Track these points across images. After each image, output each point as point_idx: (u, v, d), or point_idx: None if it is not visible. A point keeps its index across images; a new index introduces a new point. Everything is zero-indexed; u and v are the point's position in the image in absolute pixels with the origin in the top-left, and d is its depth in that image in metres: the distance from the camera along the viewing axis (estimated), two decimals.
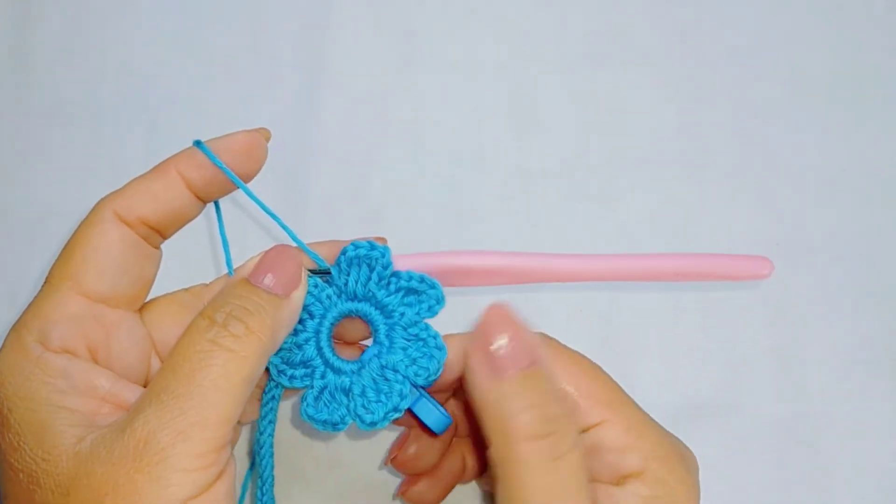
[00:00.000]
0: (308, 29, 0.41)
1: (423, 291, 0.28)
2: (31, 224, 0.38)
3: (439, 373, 0.27)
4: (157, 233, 0.28)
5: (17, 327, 0.26)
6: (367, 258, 0.28)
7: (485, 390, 0.24)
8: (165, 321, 0.28)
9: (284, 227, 0.29)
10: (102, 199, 0.27)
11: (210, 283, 0.31)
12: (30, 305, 0.27)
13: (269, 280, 0.25)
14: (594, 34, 0.40)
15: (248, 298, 0.25)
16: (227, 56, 0.40)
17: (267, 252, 0.26)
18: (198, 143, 0.28)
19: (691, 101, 0.39)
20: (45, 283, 0.27)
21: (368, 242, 0.28)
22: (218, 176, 0.27)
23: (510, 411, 0.23)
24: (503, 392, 0.24)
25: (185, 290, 0.30)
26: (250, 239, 0.37)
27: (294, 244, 0.29)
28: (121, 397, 0.25)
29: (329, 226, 0.38)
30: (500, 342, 0.25)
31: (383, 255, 0.28)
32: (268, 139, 0.29)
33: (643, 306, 0.36)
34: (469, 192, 0.38)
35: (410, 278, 0.28)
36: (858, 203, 0.37)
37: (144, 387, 0.26)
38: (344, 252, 0.28)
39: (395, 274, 0.28)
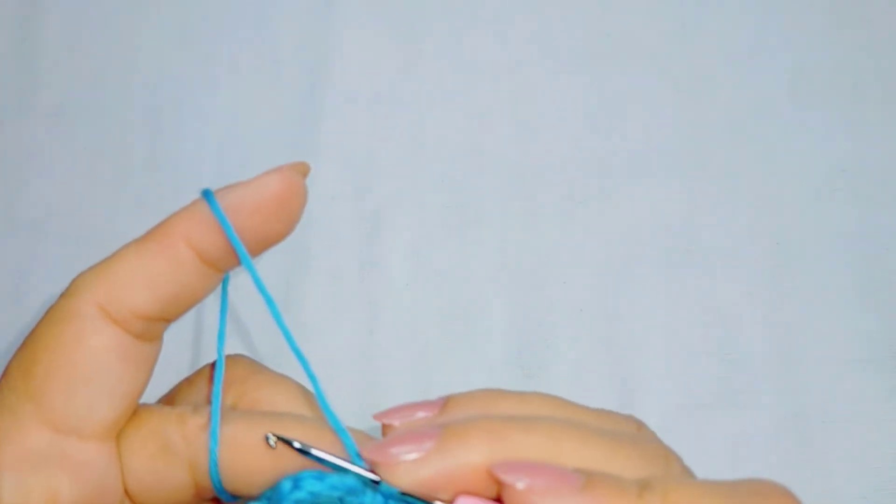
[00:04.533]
0: (310, 30, 0.41)
1: None
2: (34, 224, 0.38)
3: None
4: (161, 320, 0.21)
5: None
6: None
7: None
8: (136, 460, 0.21)
9: (314, 383, 0.22)
10: (81, 279, 0.21)
11: (191, 378, 0.25)
12: None
13: None
14: (594, 34, 0.40)
15: None
16: (230, 57, 0.41)
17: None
18: (207, 195, 0.21)
19: (691, 101, 0.39)
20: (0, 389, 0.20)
21: None
22: (246, 234, 0.20)
23: None
24: None
25: (164, 415, 0.22)
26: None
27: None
28: None
29: (329, 226, 0.38)
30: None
31: None
32: (306, 174, 0.22)
33: (644, 306, 0.36)
34: (469, 193, 0.38)
35: None
36: (858, 203, 0.37)
37: None
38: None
39: None
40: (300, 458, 0.20)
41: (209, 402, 0.23)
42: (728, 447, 0.34)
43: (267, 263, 0.37)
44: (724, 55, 0.39)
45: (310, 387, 0.22)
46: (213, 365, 0.24)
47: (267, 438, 0.20)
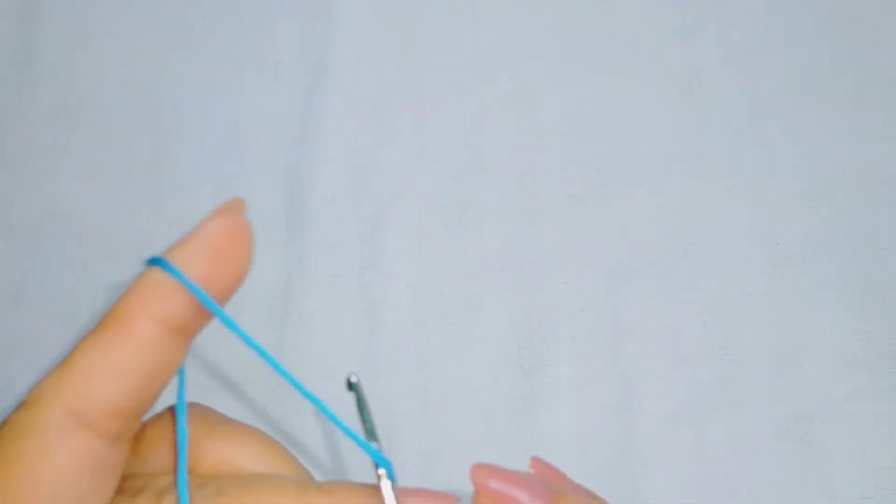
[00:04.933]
0: (310, 30, 0.41)
1: None
2: (35, 224, 0.38)
3: None
4: (136, 414, 0.19)
5: None
6: None
7: None
8: None
9: (318, 403, 0.21)
10: (42, 386, 0.18)
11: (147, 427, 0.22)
12: None
13: None
14: (594, 34, 0.40)
15: None
16: (230, 57, 0.41)
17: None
18: (158, 262, 0.19)
19: (691, 100, 0.39)
20: None
21: None
22: (209, 283, 0.19)
23: None
24: None
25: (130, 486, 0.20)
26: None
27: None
28: None
29: (329, 226, 0.38)
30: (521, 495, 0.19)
31: None
32: (243, 210, 0.21)
33: (644, 306, 0.36)
34: (469, 193, 0.38)
35: None
36: (858, 203, 0.37)
37: None
38: None
39: None
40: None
41: (171, 472, 0.21)
42: (728, 447, 0.34)
43: (267, 263, 0.37)
44: (724, 55, 0.39)
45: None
46: (169, 420, 0.23)
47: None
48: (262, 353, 0.20)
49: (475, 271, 0.37)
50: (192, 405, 0.23)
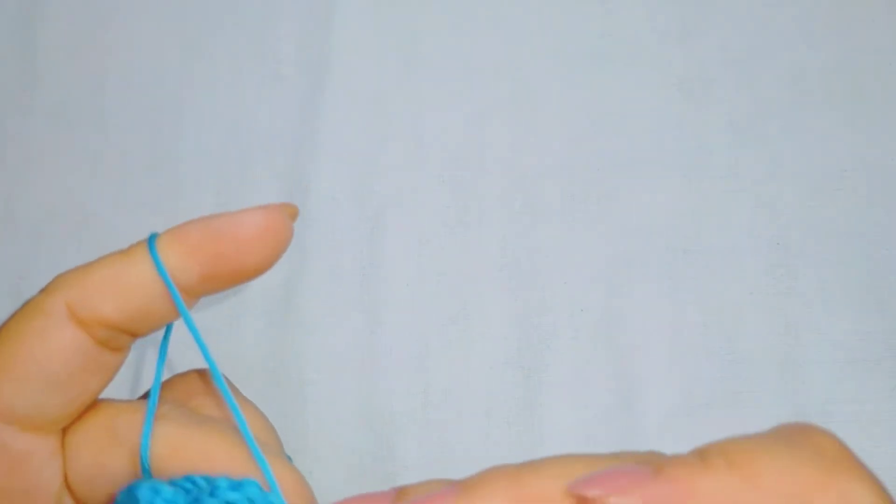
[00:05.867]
0: (310, 30, 0.41)
1: None
2: (35, 225, 0.38)
3: None
4: (126, 333, 0.21)
5: None
6: None
7: None
8: (83, 452, 0.21)
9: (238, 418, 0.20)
10: (60, 278, 0.21)
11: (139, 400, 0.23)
12: None
13: None
14: (594, 34, 0.40)
15: None
16: (231, 57, 0.41)
17: None
18: (150, 240, 0.20)
19: (691, 100, 0.39)
20: None
21: None
22: (219, 273, 0.20)
23: None
24: None
25: (120, 407, 0.22)
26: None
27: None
28: None
29: (330, 226, 0.38)
30: None
31: None
32: (295, 216, 0.21)
33: (645, 306, 0.36)
34: (469, 193, 0.38)
35: None
36: (858, 203, 0.37)
37: None
38: None
39: None
40: (225, 459, 0.20)
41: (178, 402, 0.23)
42: None
43: None
44: (724, 55, 0.39)
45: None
46: (201, 372, 0.25)
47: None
48: (207, 357, 0.21)
49: (475, 271, 0.37)
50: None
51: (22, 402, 0.20)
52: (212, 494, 0.19)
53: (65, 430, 0.21)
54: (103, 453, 0.21)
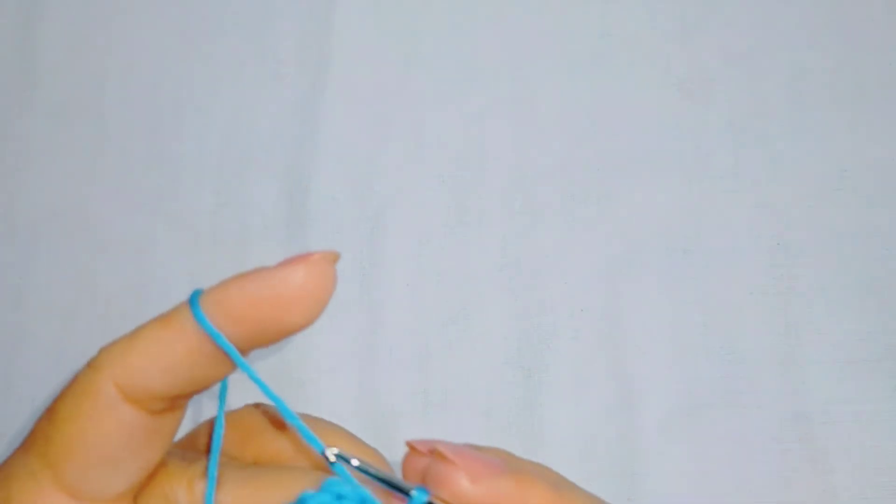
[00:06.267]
0: (310, 30, 0.41)
1: None
2: (35, 225, 0.38)
3: None
4: (180, 398, 0.21)
5: None
6: None
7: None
8: None
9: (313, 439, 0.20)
10: (105, 353, 0.20)
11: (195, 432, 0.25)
12: (3, 488, 0.20)
13: None
14: (594, 34, 0.40)
15: None
16: (230, 57, 0.41)
17: None
18: (193, 300, 0.19)
19: (691, 100, 0.39)
20: (24, 448, 0.20)
21: None
22: (263, 333, 0.20)
23: None
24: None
25: (179, 474, 0.22)
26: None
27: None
28: None
29: (331, 226, 0.38)
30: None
31: None
32: (336, 261, 0.21)
33: (644, 306, 0.36)
34: (469, 193, 0.38)
35: None
36: (858, 203, 0.37)
37: None
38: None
39: None
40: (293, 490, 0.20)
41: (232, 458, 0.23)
42: (728, 447, 0.34)
43: (267, 263, 0.37)
44: (724, 55, 0.39)
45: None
46: (258, 405, 0.25)
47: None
48: (275, 399, 0.21)
49: (475, 271, 0.37)
50: (261, 405, 0.25)
51: (88, 483, 0.20)
52: None
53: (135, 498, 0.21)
54: None
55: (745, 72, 0.39)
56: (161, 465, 0.22)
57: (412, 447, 0.21)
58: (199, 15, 0.41)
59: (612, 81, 0.39)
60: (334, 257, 0.21)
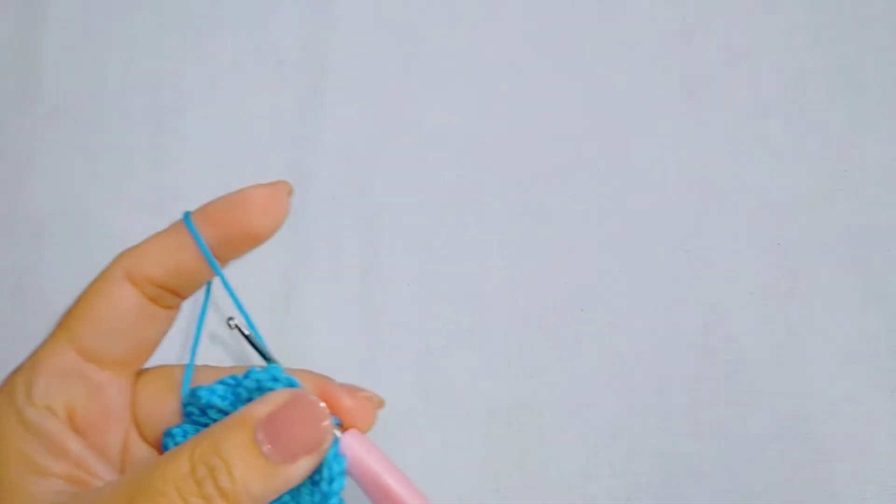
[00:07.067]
0: (311, 30, 0.41)
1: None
2: (36, 224, 0.38)
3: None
4: (171, 292, 0.27)
5: (14, 372, 0.26)
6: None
7: None
8: (150, 395, 0.27)
9: (259, 342, 0.27)
10: (121, 254, 0.26)
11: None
12: (33, 351, 0.26)
13: (267, 449, 0.23)
14: (594, 34, 0.40)
15: (241, 461, 0.22)
16: (230, 57, 0.41)
17: (285, 404, 0.24)
18: (186, 217, 0.26)
19: (691, 100, 0.39)
20: (54, 330, 0.26)
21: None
22: (233, 235, 0.26)
23: None
24: None
25: (177, 367, 0.28)
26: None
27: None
28: (85, 467, 0.24)
29: (331, 226, 0.38)
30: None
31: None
32: (290, 194, 0.27)
33: (645, 306, 0.36)
34: (470, 192, 0.38)
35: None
36: (858, 203, 0.37)
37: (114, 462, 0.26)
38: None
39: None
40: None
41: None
42: (728, 447, 0.34)
43: (268, 263, 0.37)
44: (724, 55, 0.39)
45: None
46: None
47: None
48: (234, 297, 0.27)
49: (475, 271, 0.37)
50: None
51: (94, 344, 0.26)
52: (246, 377, 0.25)
53: (137, 376, 0.27)
54: (161, 396, 0.27)
55: (745, 72, 0.39)
56: (166, 365, 0.28)
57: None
58: (199, 14, 0.41)
59: (612, 81, 0.39)
60: (288, 188, 0.27)
